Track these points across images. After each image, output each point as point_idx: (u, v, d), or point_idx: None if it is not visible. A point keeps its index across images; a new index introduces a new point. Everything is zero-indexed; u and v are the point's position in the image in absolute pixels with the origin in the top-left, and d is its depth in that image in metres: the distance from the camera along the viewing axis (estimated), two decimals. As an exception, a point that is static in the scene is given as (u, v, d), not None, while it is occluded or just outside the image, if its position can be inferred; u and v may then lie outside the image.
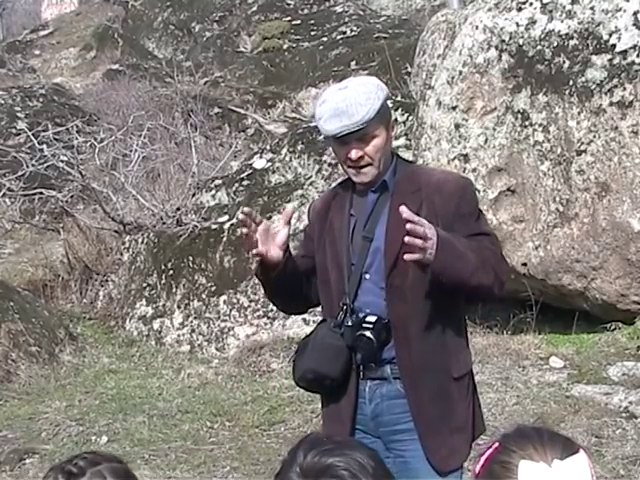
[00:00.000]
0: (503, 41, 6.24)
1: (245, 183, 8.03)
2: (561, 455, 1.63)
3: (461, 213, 2.83)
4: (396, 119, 2.98)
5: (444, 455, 2.83)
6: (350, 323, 2.85)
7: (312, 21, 14.46)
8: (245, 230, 2.79)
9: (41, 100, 12.77)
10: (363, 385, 2.90)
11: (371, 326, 2.81)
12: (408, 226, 2.58)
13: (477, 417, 2.97)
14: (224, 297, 7.19)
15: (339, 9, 14.58)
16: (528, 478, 1.61)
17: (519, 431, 1.71)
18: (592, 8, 5.98)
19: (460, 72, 6.38)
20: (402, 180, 2.89)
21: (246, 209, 2.80)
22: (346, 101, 2.76)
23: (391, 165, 2.91)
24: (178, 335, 7.29)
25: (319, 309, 3.15)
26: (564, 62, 6.02)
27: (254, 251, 2.82)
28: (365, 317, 2.84)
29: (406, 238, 2.59)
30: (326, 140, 2.96)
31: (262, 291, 3.24)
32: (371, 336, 2.80)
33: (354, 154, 2.80)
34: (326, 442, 1.68)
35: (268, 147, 8.42)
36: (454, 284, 2.73)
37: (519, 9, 6.23)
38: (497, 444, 1.70)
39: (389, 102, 2.93)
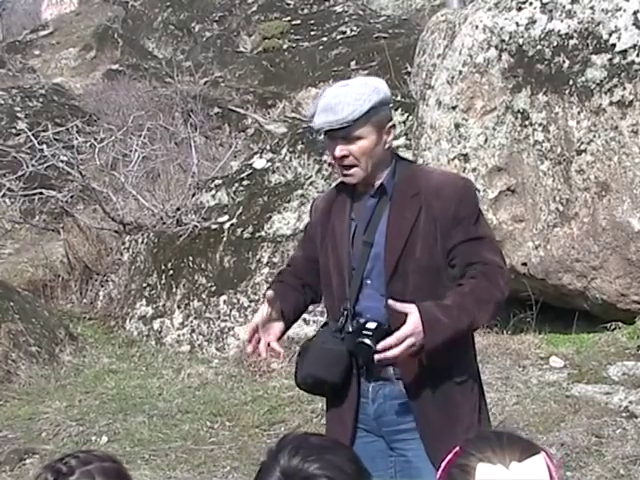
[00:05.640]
0: (503, 41, 6.24)
1: (245, 183, 8.03)
2: (519, 457, 1.65)
3: (459, 217, 2.81)
4: (394, 125, 2.93)
5: None
6: (351, 329, 2.86)
7: (312, 21, 14.46)
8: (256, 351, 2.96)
9: (41, 100, 12.77)
10: (366, 385, 2.90)
11: (371, 333, 2.81)
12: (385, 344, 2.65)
13: (483, 420, 2.96)
14: (224, 297, 7.19)
15: (339, 9, 14.59)
16: None
17: (480, 435, 1.74)
18: (592, 8, 5.98)
19: (460, 72, 6.38)
20: (401, 184, 2.88)
21: (249, 347, 2.96)
22: (337, 98, 2.79)
23: (390, 168, 2.89)
24: (178, 335, 7.29)
25: (319, 309, 3.16)
26: (564, 62, 6.02)
27: (267, 354, 2.98)
28: (365, 323, 2.84)
29: (377, 357, 2.68)
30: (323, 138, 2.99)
31: (262, 292, 3.34)
32: (371, 343, 2.79)
33: (337, 152, 2.81)
34: (307, 446, 1.72)
35: (268, 147, 8.42)
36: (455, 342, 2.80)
37: (519, 9, 6.23)
38: (458, 448, 1.72)
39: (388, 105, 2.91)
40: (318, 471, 1.66)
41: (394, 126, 2.92)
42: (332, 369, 2.89)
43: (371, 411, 2.90)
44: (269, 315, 2.93)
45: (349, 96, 2.77)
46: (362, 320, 2.85)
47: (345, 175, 2.86)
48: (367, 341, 2.80)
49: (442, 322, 2.67)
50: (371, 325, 2.82)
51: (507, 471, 1.63)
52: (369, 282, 2.88)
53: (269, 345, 2.95)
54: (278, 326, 2.96)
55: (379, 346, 2.63)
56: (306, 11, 14.87)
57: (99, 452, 2.02)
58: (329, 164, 7.59)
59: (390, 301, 2.64)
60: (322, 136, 2.97)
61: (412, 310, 2.64)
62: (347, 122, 2.76)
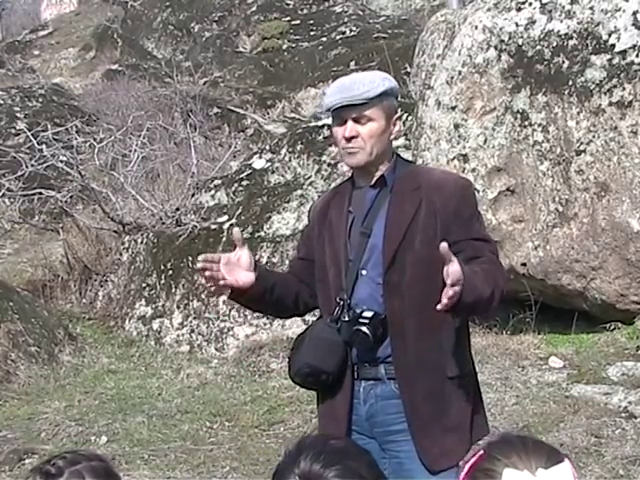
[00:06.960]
0: (502, 41, 6.24)
1: (244, 183, 8.03)
2: (545, 464, 1.64)
3: (460, 213, 2.84)
4: (400, 117, 2.99)
5: (436, 454, 2.81)
6: (347, 318, 2.86)
7: (311, 21, 14.47)
8: (208, 274, 2.84)
9: (40, 100, 12.77)
10: (358, 386, 2.90)
11: (367, 321, 2.82)
12: (451, 284, 2.54)
13: (477, 418, 2.93)
14: (223, 297, 7.17)
15: (338, 9, 14.59)
16: None
17: (504, 439, 1.72)
18: (591, 8, 5.98)
19: (459, 72, 6.38)
20: (402, 178, 2.91)
21: (201, 257, 2.85)
22: (351, 80, 2.88)
23: (391, 162, 2.93)
24: (177, 335, 7.29)
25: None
26: (563, 62, 6.02)
27: (221, 283, 2.86)
28: (362, 313, 2.85)
29: (449, 292, 2.55)
30: (331, 123, 2.99)
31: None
32: (367, 331, 2.81)
33: (347, 131, 2.85)
34: (329, 450, 1.70)
35: (267, 147, 8.42)
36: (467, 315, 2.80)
37: (518, 9, 6.24)
38: (482, 452, 1.70)
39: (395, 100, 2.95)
40: (337, 478, 1.64)
41: (400, 118, 2.97)
42: (329, 359, 2.88)
43: (363, 412, 2.90)
44: (237, 259, 2.86)
45: (364, 79, 2.88)
46: (358, 310, 2.86)
47: (349, 156, 2.89)
48: (364, 329, 2.81)
49: (474, 282, 2.66)
50: (368, 314, 2.83)
51: (534, 478, 1.62)
52: (365, 272, 2.89)
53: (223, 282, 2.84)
54: (244, 275, 2.87)
55: (449, 280, 2.53)
56: (305, 11, 14.87)
57: (86, 451, 2.02)
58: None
59: (443, 244, 2.55)
60: (331, 120, 2.97)
61: (454, 260, 2.57)
62: (362, 99, 2.82)
